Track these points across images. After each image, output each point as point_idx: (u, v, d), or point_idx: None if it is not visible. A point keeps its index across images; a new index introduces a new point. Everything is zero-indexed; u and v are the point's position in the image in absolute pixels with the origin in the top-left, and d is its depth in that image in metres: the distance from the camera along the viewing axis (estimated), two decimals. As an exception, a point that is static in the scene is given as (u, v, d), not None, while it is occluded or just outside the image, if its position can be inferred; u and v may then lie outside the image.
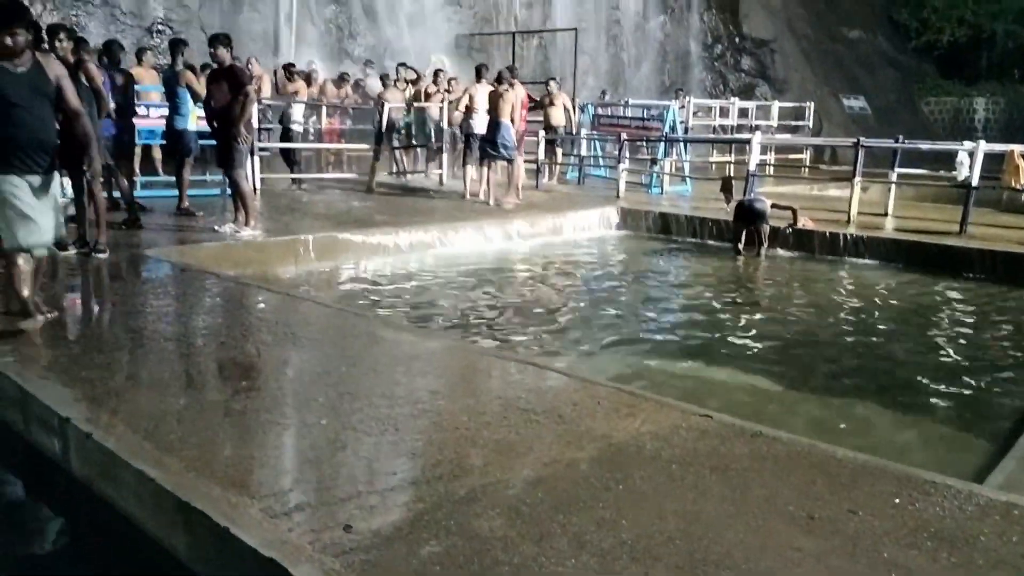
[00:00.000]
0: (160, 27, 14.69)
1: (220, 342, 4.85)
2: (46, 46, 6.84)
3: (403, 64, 14.53)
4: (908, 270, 9.09)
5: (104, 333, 5.23)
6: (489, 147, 11.29)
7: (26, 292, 4.77)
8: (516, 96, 11.41)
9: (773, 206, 9.85)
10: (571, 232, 10.83)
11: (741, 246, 9.84)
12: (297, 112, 13.04)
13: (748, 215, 9.79)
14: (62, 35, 6.97)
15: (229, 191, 8.93)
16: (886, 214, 10.72)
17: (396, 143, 13.76)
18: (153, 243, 7.79)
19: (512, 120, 11.26)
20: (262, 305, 5.83)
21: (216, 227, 8.49)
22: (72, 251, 7.10)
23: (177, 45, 9.54)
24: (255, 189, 10.90)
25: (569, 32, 18.57)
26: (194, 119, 9.53)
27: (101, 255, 6.99)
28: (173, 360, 4.58)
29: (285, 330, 5.11)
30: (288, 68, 13.93)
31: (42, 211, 4.71)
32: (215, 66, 8.40)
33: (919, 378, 5.63)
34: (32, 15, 4.71)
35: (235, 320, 5.41)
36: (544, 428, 3.57)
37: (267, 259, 7.93)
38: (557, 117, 14.11)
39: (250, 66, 12.88)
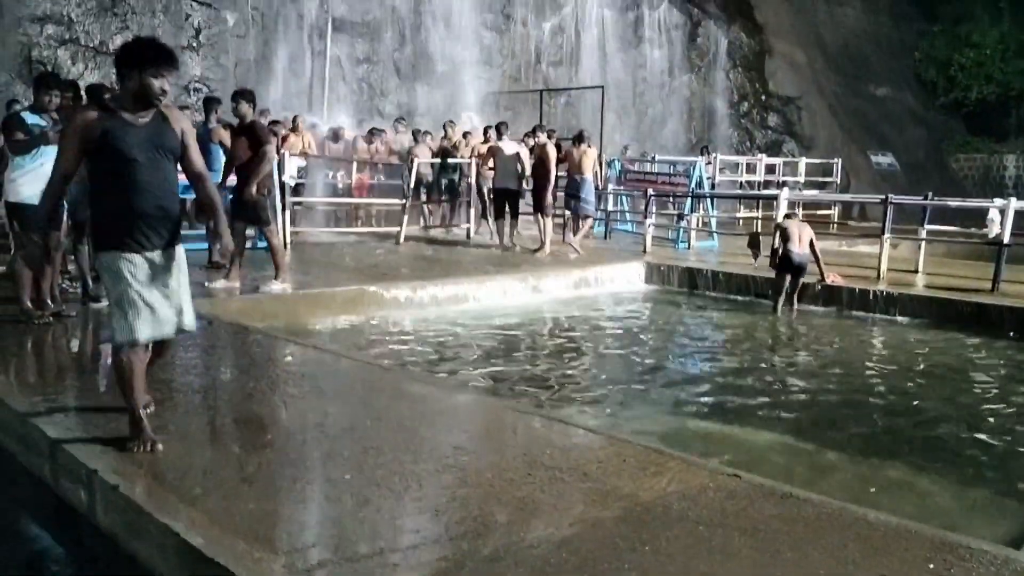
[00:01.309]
0: (197, 86, 15.08)
1: (247, 395, 4.88)
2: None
3: (451, 122, 14.87)
4: (940, 328, 8.95)
5: (133, 384, 5.27)
6: (574, 201, 12.17)
7: (138, 399, 3.90)
8: (593, 154, 12.38)
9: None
10: (598, 287, 10.82)
11: (781, 301, 9.62)
12: (291, 166, 12.82)
13: (791, 267, 9.57)
14: (106, 95, 7.17)
15: (262, 244, 8.98)
16: (916, 271, 10.62)
17: (424, 197, 13.95)
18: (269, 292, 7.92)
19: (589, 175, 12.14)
20: (289, 358, 5.86)
21: (232, 282, 8.36)
22: (104, 303, 7.20)
23: (211, 103, 9.80)
24: (285, 243, 11.07)
25: (596, 90, 18.84)
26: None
27: (133, 307, 7.07)
28: (200, 412, 4.61)
29: (311, 383, 5.13)
30: (272, 124, 14.06)
31: (164, 296, 3.85)
32: (237, 121, 8.44)
33: (953, 439, 5.52)
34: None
35: (262, 373, 5.44)
36: (569, 486, 3.53)
37: (295, 312, 8.00)
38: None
39: (281, 126, 13.25)
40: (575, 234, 12.37)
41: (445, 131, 14.43)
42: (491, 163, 12.48)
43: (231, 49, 15.28)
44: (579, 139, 12.41)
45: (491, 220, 12.57)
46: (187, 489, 3.38)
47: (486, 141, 13.50)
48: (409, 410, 4.64)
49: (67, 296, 7.22)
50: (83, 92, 7.44)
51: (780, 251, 9.50)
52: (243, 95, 8.30)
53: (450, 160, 13.78)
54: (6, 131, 6.30)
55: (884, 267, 10.42)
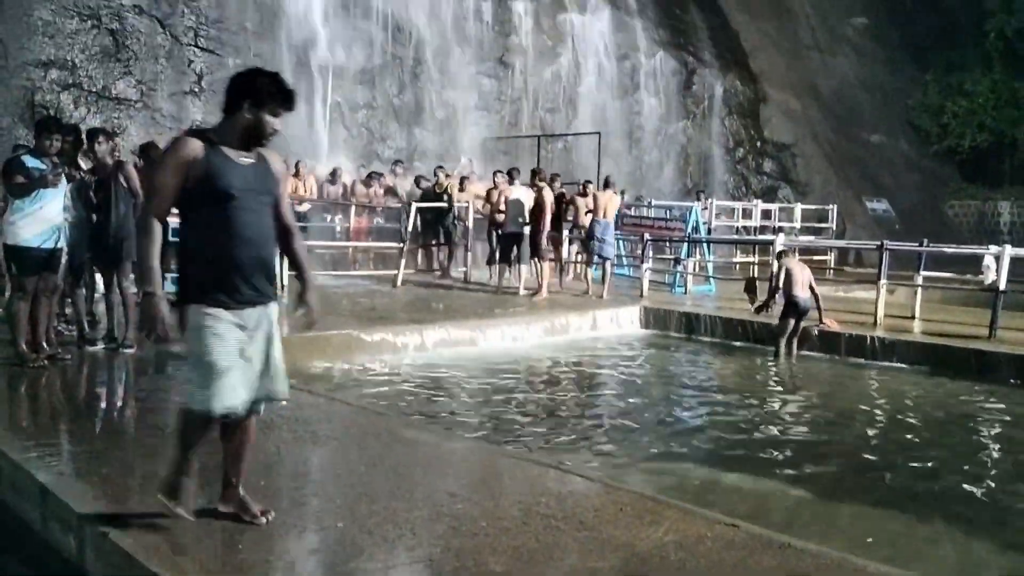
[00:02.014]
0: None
1: (241, 440, 4.83)
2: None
3: (440, 167, 14.98)
4: (938, 374, 8.93)
5: (125, 429, 5.24)
6: (592, 243, 12.45)
7: (191, 464, 3.43)
8: (617, 199, 12.90)
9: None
10: (595, 330, 10.82)
11: (783, 345, 9.60)
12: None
13: (797, 311, 9.58)
14: (101, 138, 7.22)
15: None
16: (913, 317, 10.63)
17: (421, 240, 14.03)
18: (180, 339, 7.85)
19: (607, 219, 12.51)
20: (283, 402, 5.81)
21: None
22: (100, 346, 7.19)
23: None
24: (282, 286, 11.07)
25: (592, 136, 19.01)
26: None
27: (128, 350, 7.07)
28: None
29: (305, 428, 5.09)
30: None
31: (253, 360, 3.35)
32: None
33: (955, 489, 5.47)
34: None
35: (255, 417, 5.39)
36: (565, 535, 3.48)
37: (291, 356, 7.90)
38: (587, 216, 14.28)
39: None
40: (590, 274, 12.67)
41: (436, 176, 14.52)
42: (502, 206, 12.65)
43: (232, 94, 15.46)
44: (605, 184, 13.07)
45: (496, 263, 12.80)
46: (178, 537, 3.34)
47: (495, 186, 13.60)
48: (403, 456, 4.60)
49: (63, 339, 7.20)
50: (84, 136, 7.48)
51: (785, 295, 9.52)
52: None
53: (438, 204, 13.89)
54: (6, 175, 6.33)
55: (881, 313, 10.43)
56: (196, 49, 15.11)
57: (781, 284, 9.60)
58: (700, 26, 24.81)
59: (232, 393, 3.24)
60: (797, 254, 10.32)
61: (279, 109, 3.34)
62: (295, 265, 3.70)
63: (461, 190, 14.42)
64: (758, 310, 9.78)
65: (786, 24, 28.20)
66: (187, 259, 3.36)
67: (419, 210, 13.44)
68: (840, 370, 9.29)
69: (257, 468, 4.37)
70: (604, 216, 12.42)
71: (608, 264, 12.60)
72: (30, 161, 6.22)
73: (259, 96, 3.30)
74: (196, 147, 3.24)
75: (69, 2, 13.71)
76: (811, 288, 9.70)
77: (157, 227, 3.24)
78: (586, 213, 12.68)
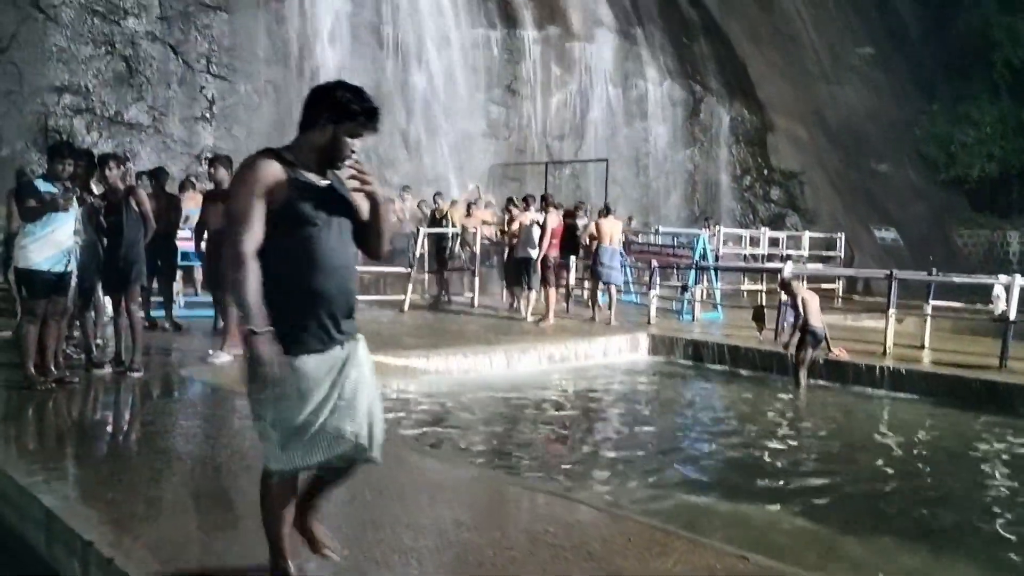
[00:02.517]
0: (208, 155, 15.33)
1: (246, 465, 4.81)
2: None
3: (439, 193, 15.02)
4: (948, 405, 8.86)
5: (132, 454, 5.22)
6: (599, 269, 12.48)
7: (282, 532, 3.09)
8: (618, 225, 12.95)
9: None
10: (602, 357, 10.79)
11: (803, 375, 9.53)
12: None
13: (815, 340, 9.54)
14: (112, 163, 7.27)
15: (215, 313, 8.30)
16: (923, 346, 10.57)
17: (427, 265, 14.09)
18: (188, 363, 7.87)
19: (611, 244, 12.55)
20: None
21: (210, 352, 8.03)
22: (108, 370, 7.19)
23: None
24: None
25: (600, 163, 19.10)
26: None
27: (136, 374, 7.07)
28: (198, 483, 4.55)
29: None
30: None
31: (340, 410, 2.92)
32: (212, 186, 8.23)
33: (966, 522, 5.41)
34: None
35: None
36: (573, 566, 3.45)
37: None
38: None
39: None
40: (596, 301, 12.66)
41: (435, 201, 14.56)
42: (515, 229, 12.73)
43: (243, 120, 15.59)
44: (607, 211, 13.09)
45: (506, 287, 12.91)
46: (183, 562, 3.32)
47: (507, 211, 13.65)
48: (410, 482, 4.58)
49: (71, 362, 7.21)
50: (96, 160, 7.54)
51: (802, 325, 9.45)
52: (221, 160, 8.15)
53: (449, 230, 13.94)
54: (19, 198, 6.38)
55: (890, 342, 10.37)
56: (208, 75, 15.28)
57: (800, 312, 9.54)
58: (707, 55, 24.99)
59: (313, 449, 2.90)
60: (805, 283, 10.30)
61: (360, 129, 2.95)
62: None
63: (468, 215, 14.48)
64: (786, 345, 9.71)
65: (793, 54, 28.38)
66: (265, 297, 2.85)
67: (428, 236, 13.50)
68: (849, 400, 9.23)
69: (263, 494, 4.35)
70: (610, 243, 12.49)
71: (614, 290, 12.64)
72: (42, 185, 6.27)
73: (337, 112, 2.91)
74: (275, 168, 2.88)
75: (84, 29, 13.91)
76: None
77: (252, 261, 2.79)
78: (591, 240, 12.76)
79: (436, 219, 14.23)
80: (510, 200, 14.18)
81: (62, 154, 6.39)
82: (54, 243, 6.26)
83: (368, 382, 3.01)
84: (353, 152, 2.95)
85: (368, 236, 3.05)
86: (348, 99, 2.92)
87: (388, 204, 3.06)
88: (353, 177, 2.93)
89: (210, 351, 7.94)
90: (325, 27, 16.84)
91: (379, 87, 17.56)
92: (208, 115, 15.29)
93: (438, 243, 14.02)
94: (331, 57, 16.83)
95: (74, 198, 6.39)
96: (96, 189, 7.35)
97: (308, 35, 16.57)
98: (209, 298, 10.44)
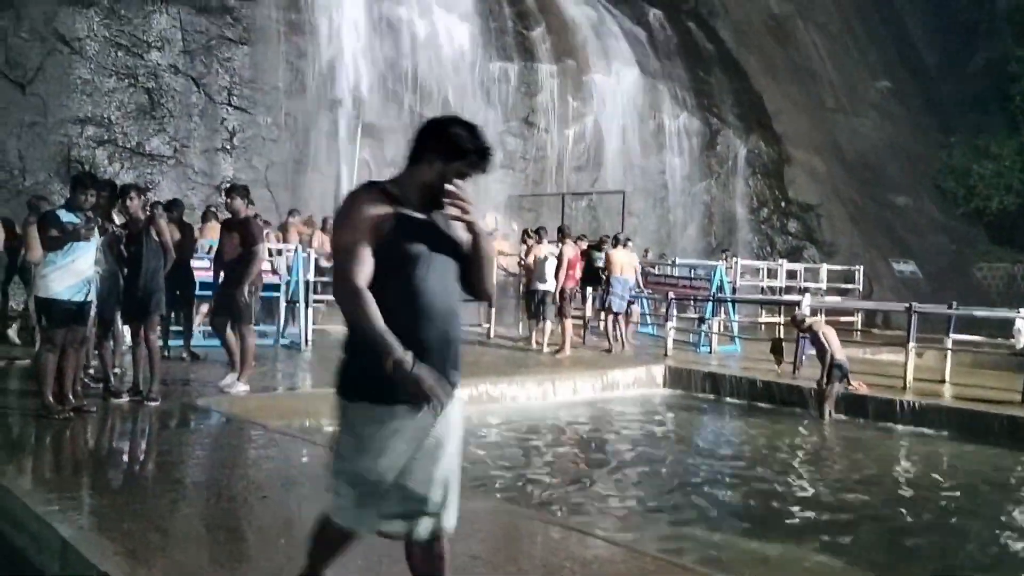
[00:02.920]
0: (245, 184, 15.50)
1: (261, 496, 4.81)
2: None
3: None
4: (970, 440, 8.73)
5: (147, 484, 5.22)
6: (608, 298, 12.63)
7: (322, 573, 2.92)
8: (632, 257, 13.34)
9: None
10: (619, 390, 10.72)
11: (830, 409, 9.41)
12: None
13: (842, 373, 9.47)
14: (133, 194, 7.37)
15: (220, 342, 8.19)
16: (943, 381, 10.44)
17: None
18: (205, 392, 7.89)
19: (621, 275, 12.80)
20: (305, 459, 5.80)
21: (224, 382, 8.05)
22: (125, 399, 7.22)
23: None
24: (307, 340, 11.13)
25: (617, 195, 19.12)
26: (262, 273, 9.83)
27: (153, 403, 7.09)
28: (213, 513, 4.53)
29: (327, 484, 5.04)
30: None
31: (421, 474, 2.69)
32: (229, 216, 8.27)
33: (990, 558, 5.30)
34: None
35: (277, 473, 5.37)
36: (589, 602, 3.40)
37: (314, 411, 7.93)
38: (627, 274, 14.23)
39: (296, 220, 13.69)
40: (613, 328, 12.72)
41: None
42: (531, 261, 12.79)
43: (263, 151, 15.75)
44: (617, 242, 13.32)
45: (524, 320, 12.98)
46: (197, 596, 3.30)
47: (524, 243, 13.69)
48: (426, 516, 4.54)
49: (88, 391, 7.24)
50: (118, 191, 7.64)
51: (829, 359, 9.41)
52: (237, 191, 8.18)
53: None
54: (41, 228, 6.46)
55: (910, 376, 10.25)
56: (229, 107, 15.47)
57: (828, 348, 9.48)
58: (724, 88, 25.08)
59: (386, 517, 2.71)
60: (823, 316, 10.23)
61: (469, 169, 2.74)
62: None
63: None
64: (821, 383, 9.62)
65: (810, 87, 28.46)
66: (356, 341, 2.71)
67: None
68: (870, 435, 9.11)
69: (277, 525, 4.33)
70: (621, 273, 12.55)
71: (620, 318, 12.69)
72: (65, 215, 6.34)
73: (447, 149, 2.72)
74: (380, 202, 2.69)
75: (108, 62, 14.14)
76: None
77: (367, 294, 2.60)
78: (602, 271, 12.92)
79: None
80: (525, 232, 14.21)
81: (85, 185, 6.48)
82: (75, 272, 6.32)
83: (454, 442, 2.75)
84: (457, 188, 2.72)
85: (471, 273, 2.81)
86: (460, 136, 2.73)
87: (490, 238, 2.92)
88: (452, 205, 2.70)
89: (222, 382, 7.97)
90: (344, 60, 17.04)
91: (397, 118, 17.73)
92: (228, 146, 15.45)
93: None
94: (350, 89, 17.03)
95: (96, 228, 6.46)
96: (117, 219, 7.43)
97: (327, 68, 16.77)
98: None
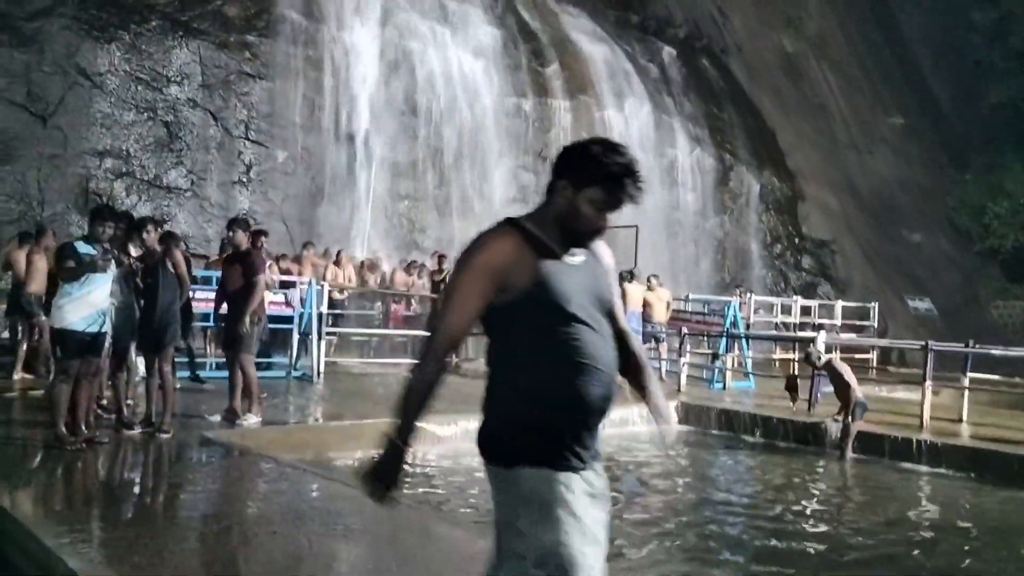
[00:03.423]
0: (245, 217, 15.63)
1: (271, 531, 4.77)
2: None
3: (443, 255, 15.16)
4: (988, 481, 8.59)
5: (158, 516, 5.20)
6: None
7: None
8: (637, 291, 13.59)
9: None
10: (631, 425, 10.61)
11: (851, 448, 9.27)
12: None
13: (864, 411, 9.39)
14: (150, 226, 7.43)
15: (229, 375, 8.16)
16: (960, 420, 10.31)
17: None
18: (216, 425, 7.88)
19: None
20: (316, 493, 5.77)
21: (214, 416, 8.05)
22: (137, 430, 7.22)
23: (256, 236, 10.01)
24: (319, 372, 11.12)
25: (630, 229, 19.14)
26: (265, 304, 9.80)
27: (164, 435, 7.08)
28: (223, 547, 4.50)
29: (337, 520, 5.01)
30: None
31: (595, 549, 2.31)
32: (231, 249, 8.36)
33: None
34: None
35: (288, 508, 5.33)
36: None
37: (325, 444, 7.92)
38: (659, 312, 14.21)
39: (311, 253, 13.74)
40: None
41: (440, 263, 14.59)
42: None
43: (279, 184, 15.90)
44: (632, 277, 13.64)
45: None
46: (205, 633, 3.26)
47: None
48: (437, 553, 4.50)
49: (101, 422, 7.24)
50: (135, 223, 7.70)
51: (850, 398, 9.33)
52: (238, 223, 8.29)
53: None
54: (59, 259, 6.51)
55: (927, 415, 10.12)
56: (246, 141, 15.64)
57: (850, 384, 9.41)
58: (736, 124, 25.20)
59: None
60: (838, 353, 10.17)
61: (606, 196, 2.35)
62: (636, 369, 2.64)
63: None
64: (846, 423, 9.52)
65: (822, 123, 28.56)
66: (511, 400, 2.35)
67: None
68: (887, 474, 8.98)
69: (287, 561, 4.29)
70: (634, 306, 12.76)
71: None
72: (82, 247, 6.39)
73: (578, 173, 2.36)
74: (515, 247, 2.33)
75: (128, 96, 14.35)
76: None
77: (444, 351, 2.34)
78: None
79: (435, 282, 14.29)
80: None
81: (103, 217, 6.54)
82: (90, 304, 6.36)
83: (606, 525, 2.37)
84: (600, 228, 2.39)
85: (622, 334, 2.50)
86: (594, 156, 2.35)
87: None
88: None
89: (222, 414, 7.96)
90: (360, 95, 17.24)
91: (412, 152, 17.89)
92: (245, 179, 15.60)
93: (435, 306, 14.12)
94: (366, 124, 17.20)
95: (112, 260, 6.51)
96: (133, 251, 7.48)
97: (343, 103, 16.96)
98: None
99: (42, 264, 9.41)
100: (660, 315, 14.02)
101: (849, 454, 9.29)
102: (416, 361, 2.38)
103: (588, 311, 2.35)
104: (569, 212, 2.35)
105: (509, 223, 2.41)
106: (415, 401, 2.36)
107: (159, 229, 7.94)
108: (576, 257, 2.39)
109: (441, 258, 14.61)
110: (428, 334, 2.36)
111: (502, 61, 19.73)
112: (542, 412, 2.30)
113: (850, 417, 9.34)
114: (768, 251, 24.65)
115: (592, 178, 2.33)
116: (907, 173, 29.35)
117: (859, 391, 9.40)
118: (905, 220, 28.19)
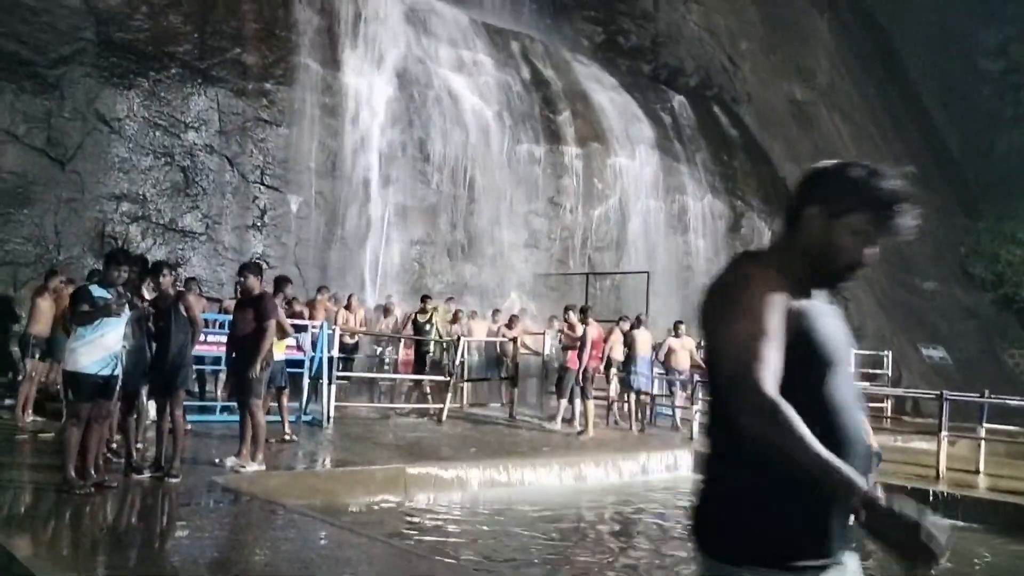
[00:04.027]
0: (257, 262, 15.73)
1: (279, 579, 4.72)
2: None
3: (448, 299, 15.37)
4: (1006, 534, 8.43)
5: (164, 562, 5.15)
6: (632, 377, 13.04)
7: None
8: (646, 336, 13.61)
9: None
10: (643, 475, 10.52)
11: None
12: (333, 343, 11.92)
13: (880, 459, 9.28)
14: (165, 271, 7.48)
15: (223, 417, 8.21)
16: (977, 471, 10.17)
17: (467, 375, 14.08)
18: (224, 470, 7.83)
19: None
20: (323, 541, 5.71)
21: (218, 460, 8.00)
22: (146, 475, 7.19)
23: (281, 282, 10.04)
24: (328, 417, 11.08)
25: (641, 275, 19.16)
26: (282, 349, 9.78)
27: (173, 479, 7.05)
28: (230, 597, 4.45)
29: (345, 568, 4.96)
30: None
31: None
32: (242, 294, 8.33)
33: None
34: None
35: (295, 555, 5.28)
36: None
37: (334, 490, 7.87)
38: (682, 360, 14.07)
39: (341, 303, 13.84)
40: (636, 408, 12.99)
41: (424, 306, 14.67)
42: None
43: (293, 229, 16.02)
44: (639, 323, 13.80)
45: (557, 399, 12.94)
46: None
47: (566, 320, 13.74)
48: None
49: (110, 467, 7.22)
50: (149, 267, 7.75)
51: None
52: (250, 268, 8.32)
53: (495, 339, 14.03)
54: (73, 303, 6.56)
55: (943, 466, 9.99)
56: (261, 186, 15.80)
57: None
58: (747, 172, 25.34)
59: None
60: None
61: (873, 225, 1.97)
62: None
63: (508, 326, 14.54)
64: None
65: (834, 171, 28.61)
66: (740, 482, 1.93)
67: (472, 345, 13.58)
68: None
69: (294, 611, 4.24)
70: (643, 352, 12.98)
71: (643, 397, 12.85)
72: (97, 291, 6.44)
73: (834, 197, 1.99)
74: (780, 283, 1.92)
75: (146, 141, 14.55)
76: None
77: (788, 409, 1.75)
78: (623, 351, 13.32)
79: (418, 324, 14.35)
80: (552, 318, 14.36)
81: (118, 261, 6.60)
82: (103, 347, 6.39)
83: None
84: (869, 262, 2.00)
85: None
86: (856, 179, 1.98)
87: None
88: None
89: (228, 460, 7.89)
90: (374, 141, 17.45)
91: (425, 198, 18.03)
92: (259, 223, 15.72)
93: (418, 349, 14.18)
94: (380, 169, 17.38)
95: (127, 304, 6.55)
96: (146, 294, 7.52)
97: (358, 149, 17.16)
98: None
99: (45, 305, 9.57)
100: (683, 362, 13.91)
101: None
102: (763, 425, 1.77)
103: (843, 365, 1.96)
104: (823, 244, 1.98)
105: (755, 258, 2.04)
106: (824, 458, 1.74)
107: (173, 273, 7.99)
108: (825, 301, 2.03)
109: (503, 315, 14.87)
110: (753, 405, 1.78)
111: (515, 108, 19.98)
112: (794, 489, 1.81)
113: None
114: (780, 298, 24.58)
115: (854, 204, 1.95)
116: (919, 221, 29.34)
117: (874, 441, 9.28)
118: (918, 268, 28.11)
